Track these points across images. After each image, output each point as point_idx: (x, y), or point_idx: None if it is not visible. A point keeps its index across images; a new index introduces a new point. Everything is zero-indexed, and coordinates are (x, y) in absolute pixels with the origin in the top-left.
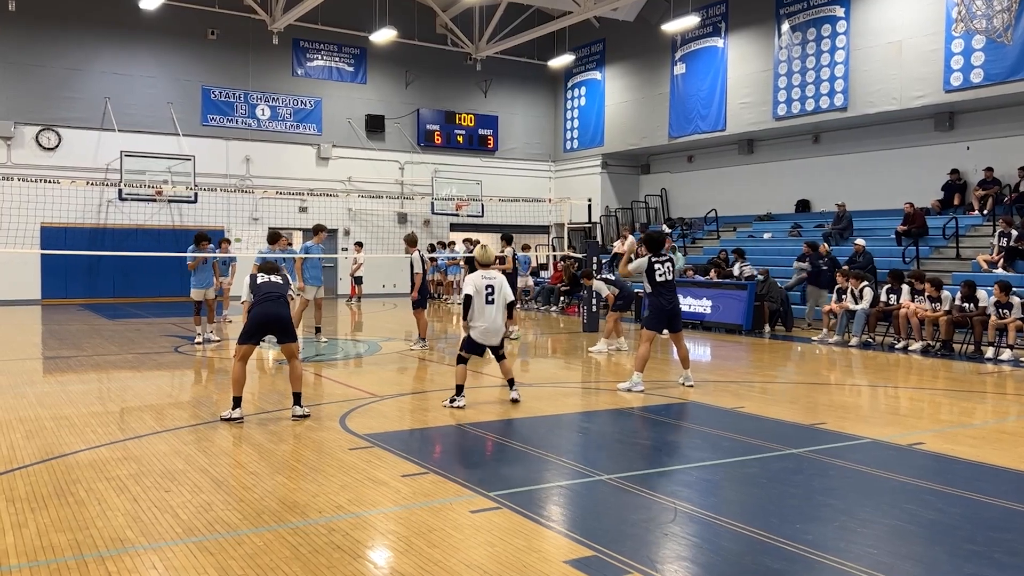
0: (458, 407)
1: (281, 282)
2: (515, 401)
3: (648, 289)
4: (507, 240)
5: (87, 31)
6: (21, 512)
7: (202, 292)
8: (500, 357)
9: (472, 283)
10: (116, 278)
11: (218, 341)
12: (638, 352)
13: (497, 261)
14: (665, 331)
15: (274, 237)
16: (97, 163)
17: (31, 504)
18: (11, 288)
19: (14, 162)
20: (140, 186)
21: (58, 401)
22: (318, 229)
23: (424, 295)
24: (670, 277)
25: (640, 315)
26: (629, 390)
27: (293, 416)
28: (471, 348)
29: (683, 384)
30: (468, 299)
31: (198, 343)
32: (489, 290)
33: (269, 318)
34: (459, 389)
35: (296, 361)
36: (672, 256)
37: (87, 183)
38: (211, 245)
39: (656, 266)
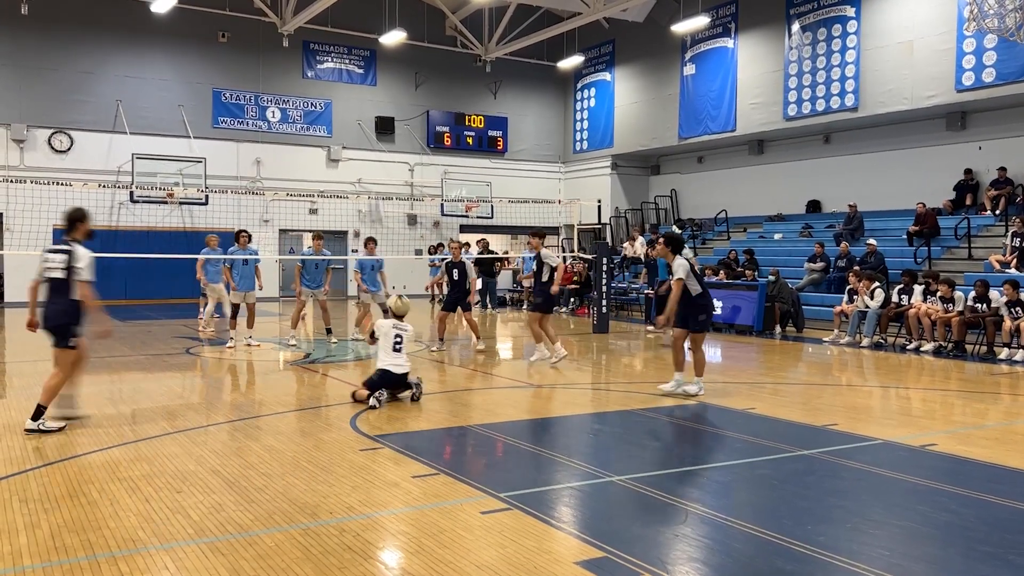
0: (372, 406)
1: (61, 264)
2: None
3: (698, 290)
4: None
5: (99, 34)
6: (34, 512)
7: (242, 295)
8: (414, 398)
9: (381, 328)
10: (128, 280)
11: (258, 345)
12: (694, 358)
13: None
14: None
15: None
16: (109, 166)
17: (44, 505)
18: (25, 290)
19: (27, 165)
20: (151, 188)
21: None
22: (317, 235)
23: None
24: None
25: (649, 318)
26: (696, 391)
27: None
28: (374, 386)
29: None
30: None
31: (230, 347)
32: (398, 339)
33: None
34: (368, 397)
35: (57, 371)
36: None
37: (99, 186)
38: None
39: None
